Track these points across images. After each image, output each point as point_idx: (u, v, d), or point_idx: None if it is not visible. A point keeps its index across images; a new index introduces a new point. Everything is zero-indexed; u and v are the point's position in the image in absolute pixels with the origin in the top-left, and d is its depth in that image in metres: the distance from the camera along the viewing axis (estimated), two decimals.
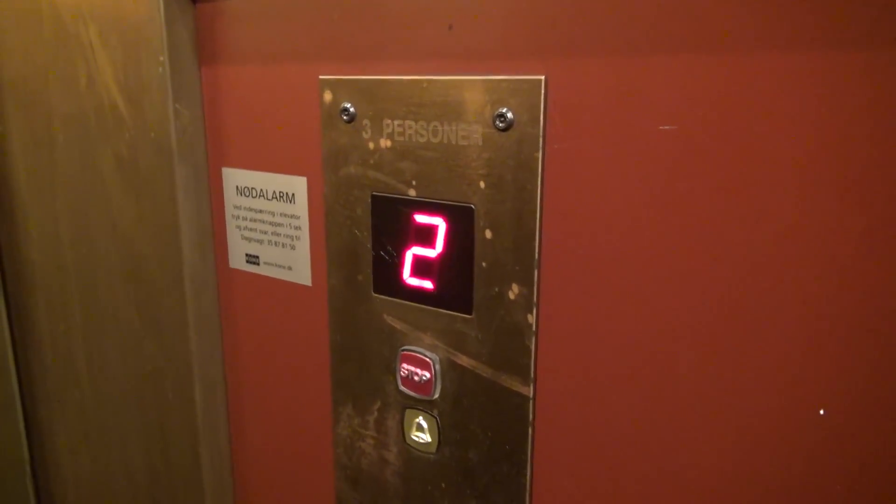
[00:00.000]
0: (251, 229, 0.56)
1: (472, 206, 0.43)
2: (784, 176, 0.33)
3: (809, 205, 0.33)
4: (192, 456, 0.62)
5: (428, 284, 0.46)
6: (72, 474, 0.74)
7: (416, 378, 0.48)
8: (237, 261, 0.58)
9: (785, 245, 0.34)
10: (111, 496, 0.71)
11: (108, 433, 0.69)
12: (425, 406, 0.48)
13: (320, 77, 0.47)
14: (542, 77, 0.38)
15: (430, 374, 0.47)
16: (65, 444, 0.74)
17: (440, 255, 0.45)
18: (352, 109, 0.46)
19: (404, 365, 0.48)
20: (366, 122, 0.46)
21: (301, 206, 0.52)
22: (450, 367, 0.47)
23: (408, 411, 0.49)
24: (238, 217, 0.56)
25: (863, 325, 0.33)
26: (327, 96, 0.47)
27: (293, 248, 0.54)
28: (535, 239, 0.41)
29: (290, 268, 0.54)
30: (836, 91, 0.31)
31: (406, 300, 0.47)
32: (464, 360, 0.46)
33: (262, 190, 0.54)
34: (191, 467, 0.62)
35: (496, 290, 0.43)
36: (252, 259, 0.57)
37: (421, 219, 0.45)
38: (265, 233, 0.55)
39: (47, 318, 0.70)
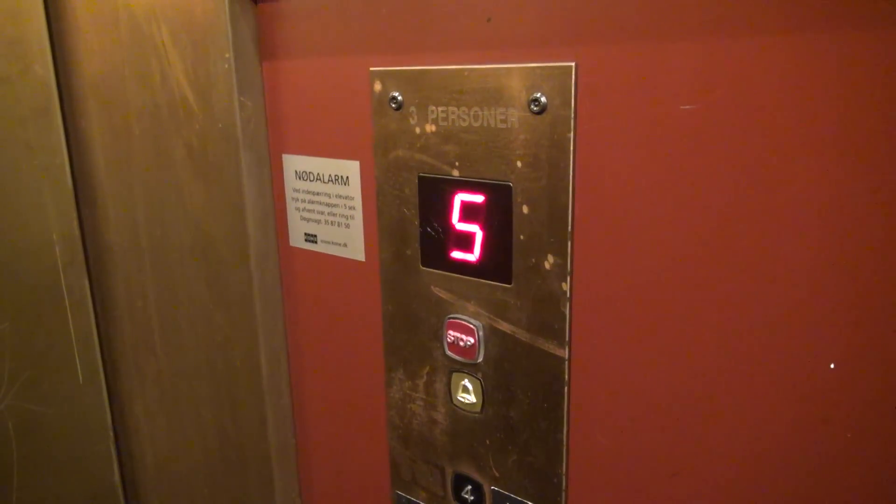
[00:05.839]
0: (309, 210, 0.61)
1: (510, 183, 0.46)
2: (796, 144, 0.36)
3: (824, 169, 0.36)
4: (258, 418, 0.68)
5: (471, 257, 0.50)
6: (149, 437, 0.81)
7: (461, 343, 0.52)
8: (297, 239, 0.63)
9: (800, 212, 0.37)
10: (185, 456, 0.78)
11: (182, 399, 0.75)
12: (470, 369, 0.53)
13: (371, 69, 0.52)
14: (573, 63, 0.42)
15: (475, 339, 0.51)
16: (143, 409, 0.81)
17: (481, 230, 0.49)
18: (399, 98, 0.50)
19: (450, 332, 0.53)
20: (412, 109, 0.50)
21: (354, 188, 0.57)
22: (492, 333, 0.51)
23: (454, 374, 0.54)
24: (297, 199, 0.61)
25: (872, 289, 0.35)
26: (377, 86, 0.52)
27: (348, 226, 0.58)
28: (568, 213, 0.44)
29: (345, 245, 0.59)
30: (852, 70, 0.34)
31: (451, 272, 0.52)
32: (505, 326, 0.50)
33: (318, 174, 0.59)
34: (257, 428, 0.68)
35: (533, 260, 0.47)
36: (310, 238, 0.62)
37: (463, 197, 0.49)
38: (322, 213, 0.60)
39: (126, 295, 0.77)
